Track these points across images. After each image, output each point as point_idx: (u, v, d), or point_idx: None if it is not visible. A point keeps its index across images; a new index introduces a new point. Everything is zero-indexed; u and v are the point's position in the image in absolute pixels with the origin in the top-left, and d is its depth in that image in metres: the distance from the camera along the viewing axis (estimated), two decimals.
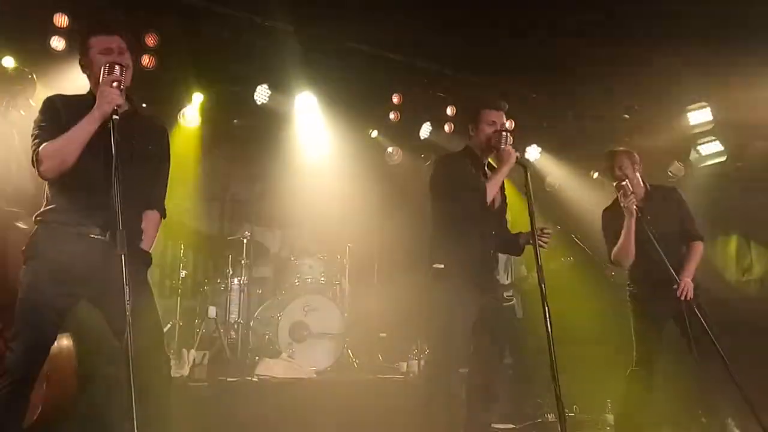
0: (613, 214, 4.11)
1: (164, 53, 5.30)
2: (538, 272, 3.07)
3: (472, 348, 3.48)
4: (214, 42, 5.51)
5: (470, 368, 3.59)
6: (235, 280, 5.84)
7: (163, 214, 3.01)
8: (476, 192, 3.41)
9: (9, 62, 4.92)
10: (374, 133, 6.85)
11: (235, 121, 6.38)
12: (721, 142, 6.48)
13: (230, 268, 5.83)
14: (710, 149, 6.55)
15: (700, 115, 6.39)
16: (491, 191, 3.42)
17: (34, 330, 2.61)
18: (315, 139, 6.61)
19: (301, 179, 6.53)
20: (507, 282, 6.44)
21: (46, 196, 2.77)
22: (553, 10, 5.07)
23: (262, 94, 6.02)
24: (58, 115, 2.70)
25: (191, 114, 5.97)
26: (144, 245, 2.89)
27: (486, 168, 3.66)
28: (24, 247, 2.71)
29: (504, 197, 3.74)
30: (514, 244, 3.65)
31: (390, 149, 6.99)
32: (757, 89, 5.70)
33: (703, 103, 6.36)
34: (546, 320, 2.94)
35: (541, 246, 3.25)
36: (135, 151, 2.77)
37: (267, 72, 5.95)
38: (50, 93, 2.81)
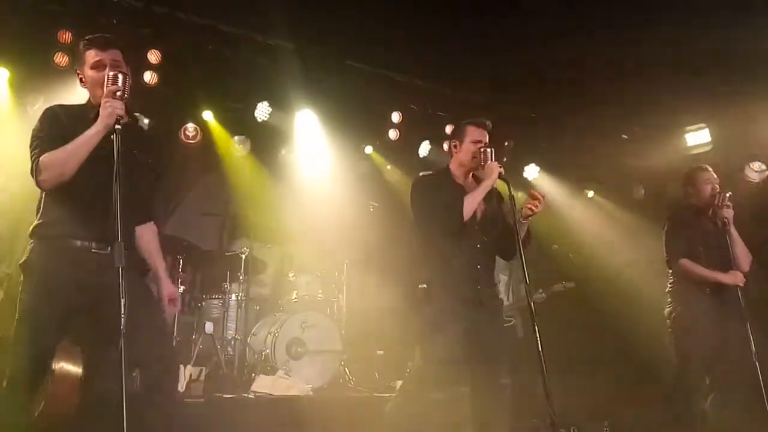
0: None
1: (167, 70, 5.36)
2: (525, 287, 3.07)
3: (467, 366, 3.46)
4: (216, 59, 5.57)
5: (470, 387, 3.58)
6: (233, 296, 5.83)
7: (160, 227, 3.04)
8: (453, 210, 3.41)
9: None
10: (368, 149, 6.88)
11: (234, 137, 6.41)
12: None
13: (228, 284, 5.83)
14: None
15: (698, 137, 6.42)
16: (469, 206, 3.42)
17: (32, 345, 2.63)
18: (314, 156, 6.64)
19: (300, 196, 6.55)
20: (507, 303, 6.43)
21: (42, 208, 2.75)
22: (553, 32, 5.12)
23: (262, 111, 6.07)
24: (60, 125, 2.69)
25: (192, 130, 6.02)
26: (156, 258, 2.95)
27: (469, 180, 3.65)
28: (21, 262, 2.70)
29: (491, 205, 3.65)
30: (511, 245, 3.52)
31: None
32: (755, 111, 5.74)
33: (702, 125, 6.39)
34: (536, 335, 2.89)
35: (530, 210, 3.36)
36: (135, 164, 2.76)
37: (268, 89, 6.01)
38: None
